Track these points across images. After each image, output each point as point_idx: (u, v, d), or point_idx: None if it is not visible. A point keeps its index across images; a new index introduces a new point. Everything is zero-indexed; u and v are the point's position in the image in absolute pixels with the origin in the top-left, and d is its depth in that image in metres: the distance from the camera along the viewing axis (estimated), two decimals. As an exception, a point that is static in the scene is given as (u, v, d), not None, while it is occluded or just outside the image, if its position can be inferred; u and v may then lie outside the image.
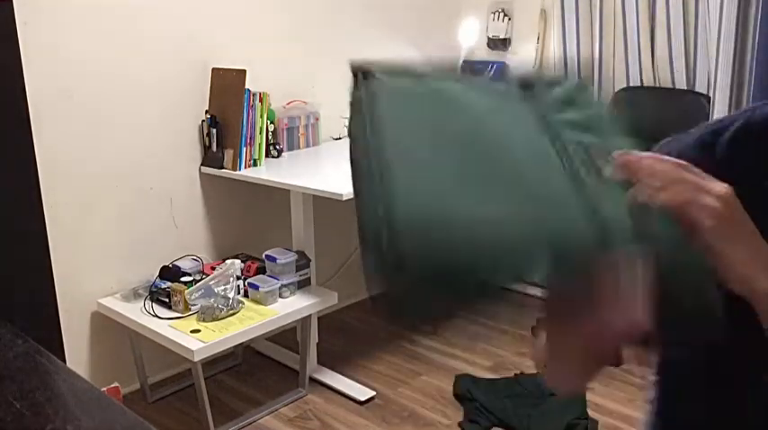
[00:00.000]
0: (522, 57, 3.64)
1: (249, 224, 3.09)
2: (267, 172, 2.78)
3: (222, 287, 2.48)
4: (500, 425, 2.58)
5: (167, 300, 2.54)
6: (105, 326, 2.67)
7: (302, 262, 2.71)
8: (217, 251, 2.99)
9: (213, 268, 2.68)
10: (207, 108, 2.83)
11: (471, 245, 0.58)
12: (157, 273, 2.68)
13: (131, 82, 2.64)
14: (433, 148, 0.64)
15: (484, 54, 3.77)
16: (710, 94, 2.97)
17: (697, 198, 0.65)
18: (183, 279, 2.58)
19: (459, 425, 2.59)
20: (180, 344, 2.32)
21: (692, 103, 3.08)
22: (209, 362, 2.79)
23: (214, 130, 2.78)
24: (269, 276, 2.66)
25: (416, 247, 0.57)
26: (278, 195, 2.88)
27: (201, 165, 2.88)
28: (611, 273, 0.61)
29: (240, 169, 2.76)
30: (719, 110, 2.89)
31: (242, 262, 2.73)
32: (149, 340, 2.48)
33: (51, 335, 2.44)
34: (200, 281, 2.56)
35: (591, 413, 2.62)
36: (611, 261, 0.61)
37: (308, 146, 3.16)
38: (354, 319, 3.39)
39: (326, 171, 2.88)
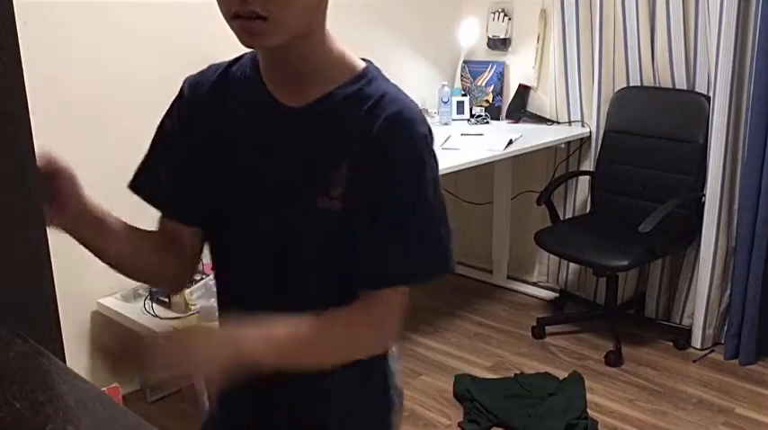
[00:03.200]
0: (522, 57, 3.65)
1: (249, 224, 3.08)
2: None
3: (222, 287, 2.48)
4: (500, 425, 2.58)
5: (167, 300, 2.54)
6: (105, 327, 2.67)
7: (302, 262, 2.70)
8: (217, 251, 2.99)
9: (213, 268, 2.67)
10: (207, 108, 2.83)
11: None
12: (157, 273, 2.68)
13: (132, 81, 2.64)
14: None
15: (484, 54, 3.77)
16: (710, 94, 2.97)
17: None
18: (183, 279, 2.58)
19: (459, 425, 2.59)
20: (180, 344, 2.31)
21: (691, 103, 3.08)
22: (210, 362, 2.78)
23: (214, 130, 2.78)
24: (269, 276, 2.66)
25: None
26: (278, 195, 2.87)
27: (201, 165, 2.87)
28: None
29: (240, 169, 2.76)
30: (719, 110, 2.90)
31: (242, 262, 2.72)
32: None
33: (51, 336, 2.43)
34: (200, 281, 2.56)
35: (591, 413, 2.62)
36: None
37: (308, 146, 3.15)
38: (354, 319, 3.39)
39: (326, 171, 2.88)
